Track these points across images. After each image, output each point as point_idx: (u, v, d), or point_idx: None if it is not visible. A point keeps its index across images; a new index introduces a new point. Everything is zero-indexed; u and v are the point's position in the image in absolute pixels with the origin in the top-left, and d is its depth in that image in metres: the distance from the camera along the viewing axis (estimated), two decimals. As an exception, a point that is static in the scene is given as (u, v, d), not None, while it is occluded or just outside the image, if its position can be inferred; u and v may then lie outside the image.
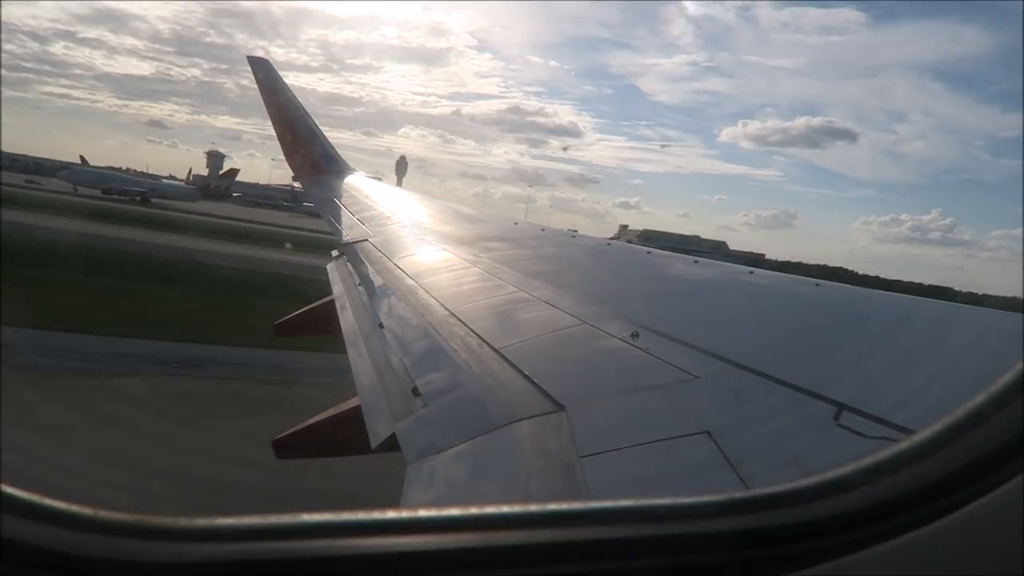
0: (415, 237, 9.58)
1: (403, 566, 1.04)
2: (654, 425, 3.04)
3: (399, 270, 7.47)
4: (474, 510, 1.13)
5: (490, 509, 1.13)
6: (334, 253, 9.68)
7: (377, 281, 7.46)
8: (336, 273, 8.46)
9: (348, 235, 10.33)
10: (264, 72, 17.43)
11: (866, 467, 1.17)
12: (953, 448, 1.13)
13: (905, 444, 1.18)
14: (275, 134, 16.88)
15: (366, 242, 9.45)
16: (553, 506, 1.19)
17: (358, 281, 7.64)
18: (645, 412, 3.25)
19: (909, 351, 3.60)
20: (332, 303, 7.41)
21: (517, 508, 1.16)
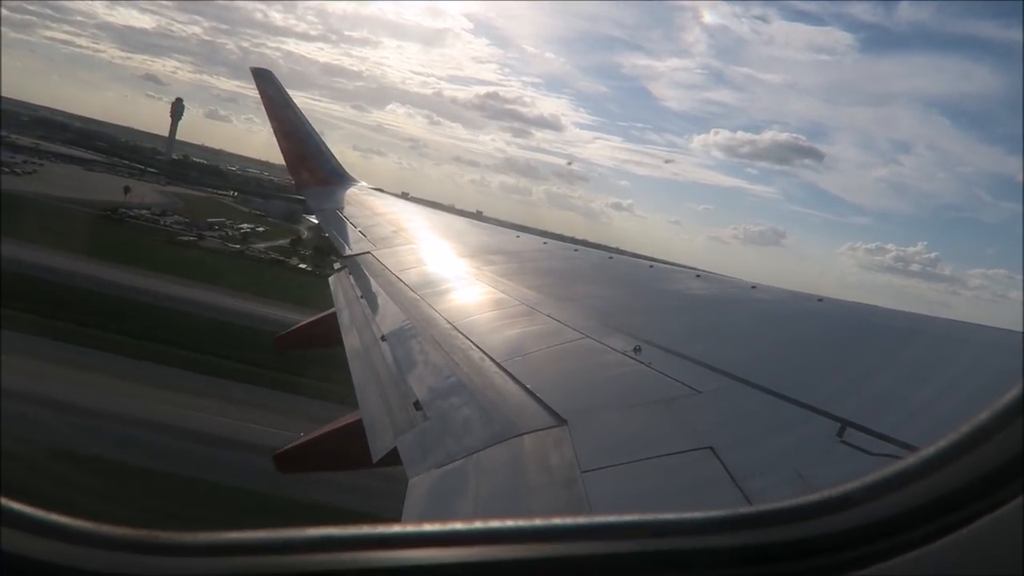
0: (417, 250, 9.60)
1: None
2: (657, 440, 3.03)
3: (401, 283, 7.47)
4: (476, 524, 1.13)
5: (492, 523, 1.14)
6: (336, 266, 9.69)
7: (379, 294, 7.47)
8: (338, 286, 8.47)
9: (350, 248, 10.35)
10: (267, 83, 17.51)
11: (870, 483, 1.16)
12: (958, 464, 1.12)
13: (910, 460, 1.17)
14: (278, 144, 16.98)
15: (368, 254, 9.46)
16: (554, 520, 1.18)
17: (360, 294, 7.65)
18: (648, 427, 3.24)
19: (913, 368, 3.59)
20: (334, 316, 7.42)
21: (518, 522, 1.17)
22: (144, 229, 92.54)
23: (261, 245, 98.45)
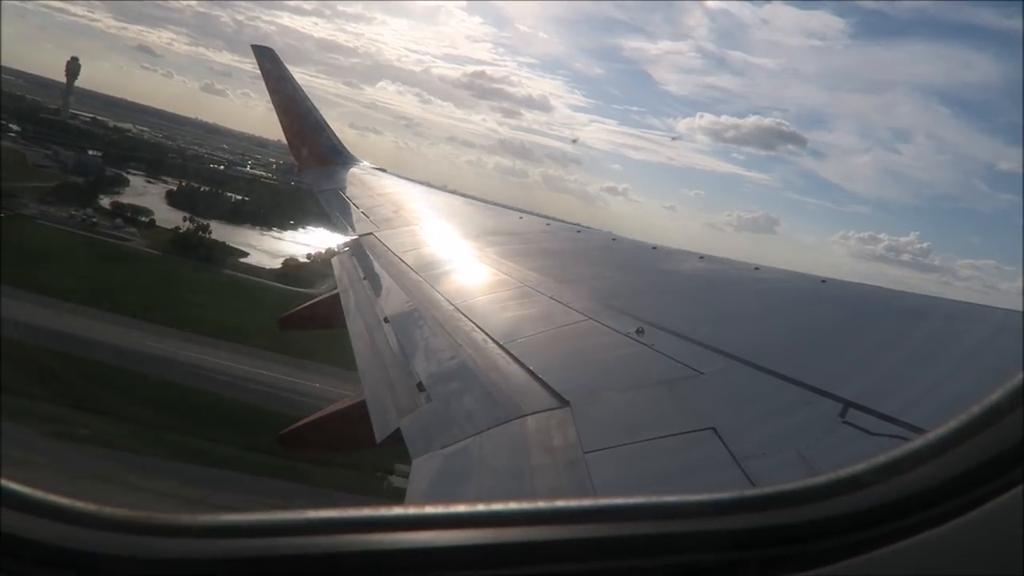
0: (420, 231, 9.57)
1: (408, 562, 1.04)
2: (659, 421, 3.03)
3: (404, 264, 7.46)
4: (479, 507, 1.13)
5: (495, 506, 1.13)
6: (339, 246, 9.67)
7: (382, 275, 7.46)
8: (341, 267, 8.45)
9: (353, 229, 10.31)
10: (269, 61, 17.32)
11: (878, 465, 1.15)
12: (968, 446, 1.10)
13: (918, 442, 1.15)
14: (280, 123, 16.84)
15: (371, 235, 9.43)
16: (557, 503, 1.17)
17: (363, 275, 7.63)
18: (650, 408, 3.24)
19: (916, 348, 3.58)
20: (337, 297, 7.42)
21: (520, 505, 1.15)
22: None
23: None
